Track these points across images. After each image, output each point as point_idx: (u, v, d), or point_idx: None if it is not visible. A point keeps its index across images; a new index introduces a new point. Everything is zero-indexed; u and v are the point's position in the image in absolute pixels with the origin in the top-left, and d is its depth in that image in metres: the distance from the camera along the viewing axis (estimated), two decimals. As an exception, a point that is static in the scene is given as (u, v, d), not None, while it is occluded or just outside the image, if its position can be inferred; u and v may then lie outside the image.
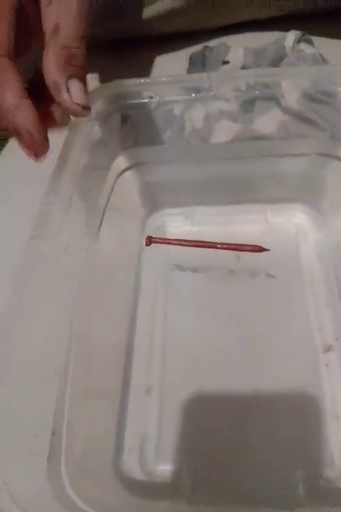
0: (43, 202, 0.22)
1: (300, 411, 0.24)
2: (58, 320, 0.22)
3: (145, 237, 0.26)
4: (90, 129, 0.26)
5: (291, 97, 0.30)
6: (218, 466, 0.23)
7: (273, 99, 0.31)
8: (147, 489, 0.23)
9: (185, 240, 0.25)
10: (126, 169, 0.29)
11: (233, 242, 0.25)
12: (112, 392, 0.25)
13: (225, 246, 0.25)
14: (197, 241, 0.26)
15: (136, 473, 0.23)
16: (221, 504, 0.22)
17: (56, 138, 0.25)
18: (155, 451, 0.24)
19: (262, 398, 0.24)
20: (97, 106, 0.27)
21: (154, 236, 0.26)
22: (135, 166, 0.29)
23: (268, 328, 0.27)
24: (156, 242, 0.26)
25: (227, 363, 0.26)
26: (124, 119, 0.30)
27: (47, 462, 0.18)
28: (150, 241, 0.26)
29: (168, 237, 0.32)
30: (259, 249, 0.25)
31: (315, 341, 0.26)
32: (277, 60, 0.37)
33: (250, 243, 0.25)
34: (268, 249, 0.25)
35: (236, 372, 0.25)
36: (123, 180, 0.29)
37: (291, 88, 0.30)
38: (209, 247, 0.25)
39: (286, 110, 0.31)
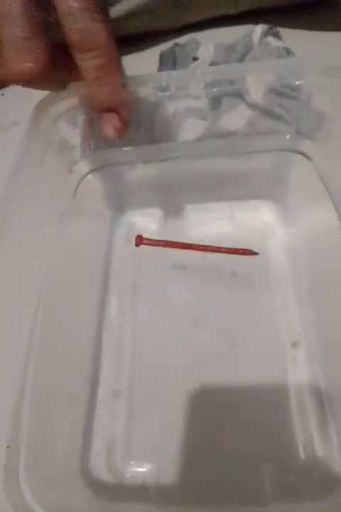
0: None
1: (267, 407, 0.24)
2: (18, 322, 0.22)
3: (135, 236, 0.25)
4: (53, 128, 0.26)
5: (256, 93, 0.30)
6: (186, 466, 0.23)
7: (239, 95, 0.31)
8: (115, 492, 0.23)
9: (176, 243, 0.25)
10: (91, 171, 0.29)
11: (224, 247, 0.25)
12: (78, 395, 0.24)
13: (216, 249, 0.25)
14: (187, 244, 0.25)
15: (104, 476, 0.23)
16: (189, 504, 0.22)
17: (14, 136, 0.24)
18: (123, 453, 0.24)
19: (230, 396, 0.24)
20: (63, 106, 0.27)
21: (144, 237, 0.25)
22: (100, 167, 0.29)
23: (237, 326, 0.27)
24: (146, 244, 0.25)
25: (196, 362, 0.26)
26: (91, 119, 0.30)
27: (3, 472, 0.18)
28: (140, 241, 0.25)
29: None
30: (251, 252, 0.25)
31: (282, 337, 0.26)
32: (246, 55, 0.37)
33: (239, 247, 0.25)
34: (257, 253, 0.25)
35: (205, 372, 0.25)
36: (88, 183, 0.28)
37: (256, 83, 0.29)
38: (199, 250, 0.24)
39: (252, 106, 0.31)
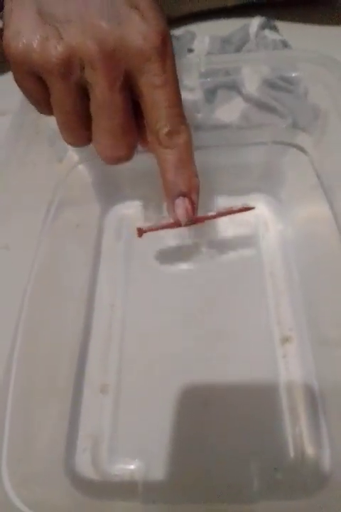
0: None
1: (258, 403, 0.24)
2: (3, 314, 0.21)
3: (136, 228, 0.25)
4: (41, 118, 0.25)
5: (252, 85, 0.30)
6: (174, 463, 0.22)
7: (234, 87, 0.31)
8: (102, 490, 0.22)
9: (173, 223, 0.24)
10: (82, 161, 0.28)
11: (221, 210, 0.24)
12: (64, 390, 0.24)
13: (214, 216, 0.24)
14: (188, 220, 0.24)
15: (90, 473, 0.22)
16: (176, 502, 0.21)
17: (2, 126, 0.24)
18: (109, 450, 0.23)
19: (219, 392, 0.24)
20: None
21: (143, 227, 0.25)
22: (91, 157, 0.28)
23: (228, 321, 0.26)
24: (148, 231, 0.24)
25: (186, 358, 0.25)
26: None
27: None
28: (141, 232, 0.25)
29: (132, 227, 0.31)
30: (247, 208, 0.25)
31: (273, 333, 0.26)
32: (242, 47, 0.37)
33: (234, 208, 0.24)
34: (253, 207, 0.25)
35: (194, 368, 0.25)
36: (78, 173, 0.28)
37: (251, 75, 0.29)
38: (200, 221, 0.24)
39: (247, 98, 0.30)
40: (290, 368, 0.24)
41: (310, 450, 0.22)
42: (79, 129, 0.19)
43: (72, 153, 0.27)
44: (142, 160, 0.30)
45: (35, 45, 0.17)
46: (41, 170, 0.25)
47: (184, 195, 0.20)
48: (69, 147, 0.28)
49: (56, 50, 0.16)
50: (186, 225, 0.22)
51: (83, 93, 0.18)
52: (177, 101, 0.19)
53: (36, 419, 0.21)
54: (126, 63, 0.17)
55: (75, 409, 0.24)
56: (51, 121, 0.27)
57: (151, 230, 0.24)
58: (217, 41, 0.38)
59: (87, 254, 0.29)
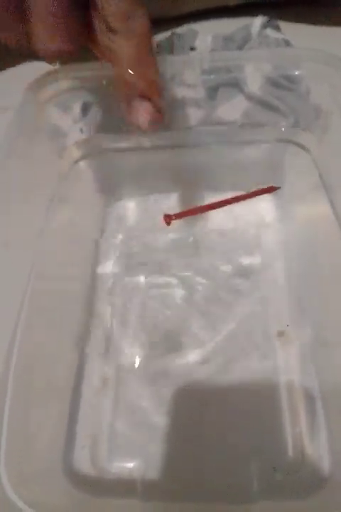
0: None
1: (257, 402, 0.23)
2: (2, 311, 0.21)
3: (162, 216, 0.23)
4: (42, 113, 0.25)
5: (254, 84, 0.30)
6: (172, 462, 0.22)
7: (236, 85, 0.31)
8: (100, 487, 0.22)
9: (201, 207, 0.23)
10: (83, 157, 0.28)
11: (244, 193, 0.23)
12: (63, 387, 0.24)
13: (238, 199, 0.23)
14: (212, 203, 0.23)
15: (89, 471, 0.22)
16: (175, 501, 0.21)
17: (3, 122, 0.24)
18: (108, 449, 0.23)
19: (217, 390, 0.24)
20: (53, 89, 0.26)
21: (171, 214, 0.23)
22: (92, 154, 0.28)
23: (226, 317, 0.26)
24: (176, 218, 0.23)
25: (184, 356, 0.25)
26: (83, 105, 0.29)
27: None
28: (169, 219, 0.23)
29: (132, 225, 0.31)
30: (272, 189, 0.24)
31: (272, 332, 0.25)
32: (244, 46, 0.37)
33: (258, 189, 0.23)
34: (279, 187, 0.24)
35: (192, 365, 0.25)
36: (79, 169, 0.28)
37: (254, 73, 0.29)
38: (223, 205, 0.23)
39: (249, 97, 0.30)
40: (290, 368, 0.24)
41: (309, 450, 0.22)
42: (13, 21, 0.16)
43: (73, 150, 0.27)
44: (143, 156, 0.30)
45: None
46: (41, 166, 0.25)
47: (144, 96, 0.17)
48: (70, 143, 0.28)
49: None
50: (220, 205, 0.20)
51: None
52: None
53: (35, 417, 0.21)
54: None
55: (74, 408, 0.24)
56: (51, 117, 0.27)
57: (180, 216, 0.23)
58: (219, 39, 0.38)
59: (87, 250, 0.29)
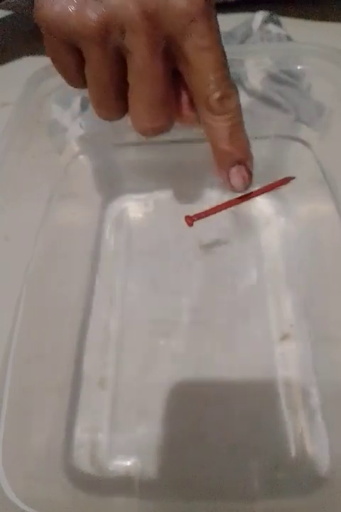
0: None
1: (257, 401, 0.23)
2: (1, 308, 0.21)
3: (184, 217, 0.23)
4: (42, 108, 0.25)
5: (255, 79, 0.29)
6: (171, 460, 0.22)
7: (237, 81, 0.30)
8: (99, 486, 0.22)
9: (222, 204, 0.23)
10: (82, 152, 0.28)
11: (262, 187, 0.23)
12: (61, 386, 0.24)
13: (256, 193, 0.23)
14: (232, 200, 0.23)
15: (88, 469, 0.22)
16: (173, 499, 0.21)
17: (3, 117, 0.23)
18: (107, 446, 0.23)
19: (218, 389, 0.24)
20: (52, 84, 0.26)
21: (192, 214, 0.23)
22: (92, 149, 0.28)
23: (227, 317, 0.26)
24: (198, 219, 0.23)
25: (185, 354, 0.25)
26: (82, 99, 0.29)
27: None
28: (191, 220, 0.23)
29: (134, 221, 0.31)
30: (288, 179, 0.24)
31: (273, 330, 0.25)
32: (245, 41, 0.36)
33: (273, 182, 0.23)
34: (294, 177, 0.24)
35: (193, 364, 0.25)
36: (79, 164, 0.27)
37: (255, 68, 0.29)
38: (244, 200, 0.23)
39: (251, 92, 0.30)
40: (290, 366, 0.24)
41: (310, 449, 0.22)
42: (115, 100, 0.18)
43: (73, 145, 0.27)
44: (143, 152, 0.29)
45: (72, 9, 0.15)
46: (41, 161, 0.25)
47: (239, 162, 0.19)
48: (70, 138, 0.28)
49: (95, 13, 0.15)
50: (238, 201, 0.21)
51: (121, 62, 0.17)
52: (225, 62, 0.17)
53: (34, 415, 0.21)
54: (168, 26, 0.16)
55: (73, 406, 0.23)
56: (51, 112, 0.27)
57: (201, 216, 0.23)
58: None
59: (87, 246, 0.29)
